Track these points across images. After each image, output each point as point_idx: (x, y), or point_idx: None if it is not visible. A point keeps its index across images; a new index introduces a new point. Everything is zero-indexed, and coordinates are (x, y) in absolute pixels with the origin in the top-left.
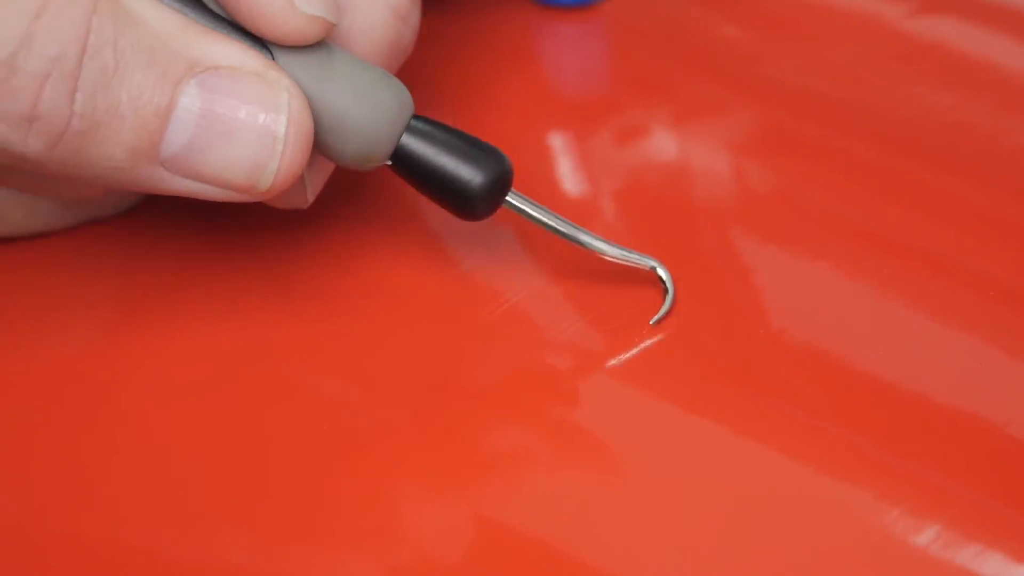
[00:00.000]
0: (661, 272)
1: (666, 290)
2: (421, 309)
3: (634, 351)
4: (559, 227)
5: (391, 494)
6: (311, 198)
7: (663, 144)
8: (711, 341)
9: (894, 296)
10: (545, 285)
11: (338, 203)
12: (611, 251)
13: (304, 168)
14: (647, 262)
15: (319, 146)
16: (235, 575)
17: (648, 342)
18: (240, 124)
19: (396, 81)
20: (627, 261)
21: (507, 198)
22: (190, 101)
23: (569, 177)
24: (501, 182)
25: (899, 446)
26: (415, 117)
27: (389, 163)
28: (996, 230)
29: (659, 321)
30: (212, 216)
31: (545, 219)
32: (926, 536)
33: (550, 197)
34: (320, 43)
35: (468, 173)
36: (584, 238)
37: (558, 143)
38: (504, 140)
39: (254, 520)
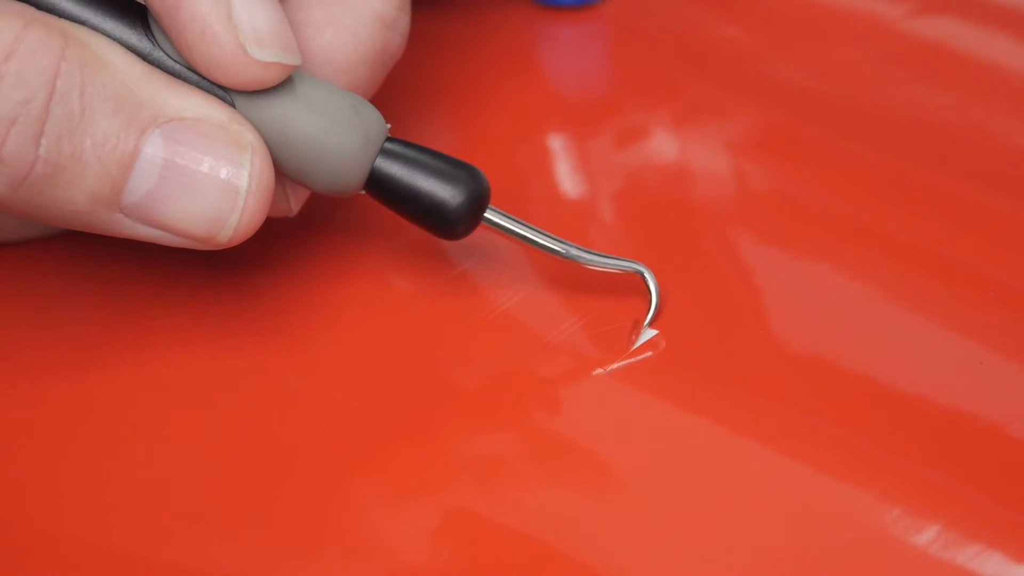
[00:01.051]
0: (648, 277)
1: (651, 296)
2: (416, 313)
3: (632, 352)
4: (539, 240)
5: (383, 498)
6: (296, 208)
7: (663, 145)
8: (711, 341)
9: (894, 296)
10: (542, 288)
11: (331, 206)
12: (595, 260)
13: (263, 220)
14: (633, 267)
15: (291, 177)
16: None
17: (646, 342)
18: (202, 177)
19: (366, 110)
20: (613, 268)
21: (486, 215)
22: (153, 151)
23: (569, 178)
24: (479, 200)
25: (899, 446)
26: (389, 139)
27: (363, 192)
28: (996, 230)
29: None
30: None
31: (525, 233)
32: (926, 536)
33: (550, 198)
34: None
35: (445, 193)
36: (565, 249)
37: (558, 144)
38: (503, 141)
39: (237, 528)
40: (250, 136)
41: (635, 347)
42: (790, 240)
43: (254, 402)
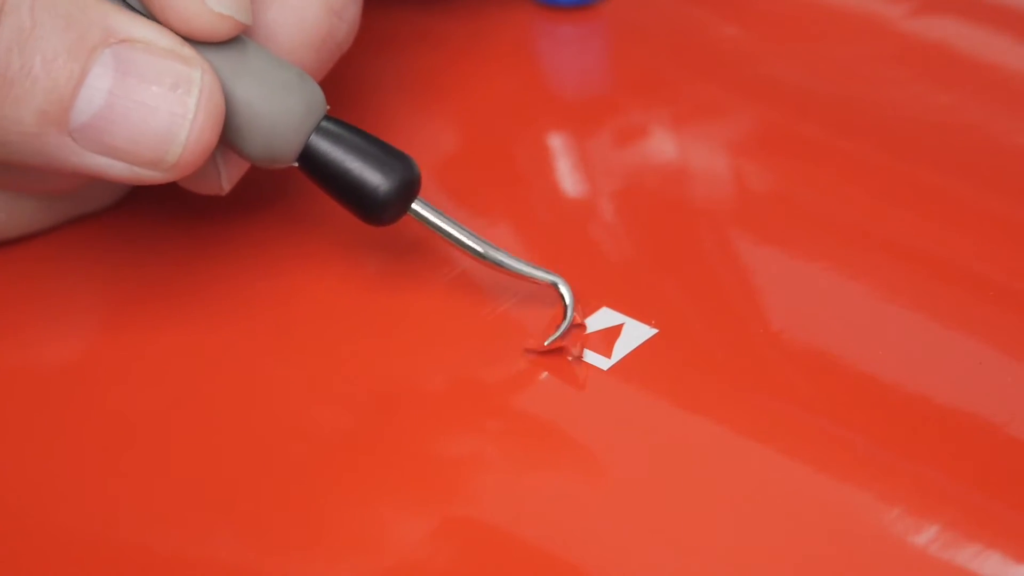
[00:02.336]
0: (563, 289)
1: (565, 308)
2: (417, 313)
3: (633, 352)
4: (461, 238)
5: (379, 495)
6: (226, 186)
7: (662, 144)
8: (710, 341)
9: (893, 296)
10: (546, 285)
11: (329, 203)
12: (513, 266)
13: (213, 146)
14: (549, 278)
15: (227, 142)
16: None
17: (647, 342)
18: (151, 96)
19: (309, 82)
20: (530, 277)
21: (413, 206)
22: (103, 71)
23: (568, 177)
24: (408, 189)
25: (899, 446)
26: (327, 118)
27: (296, 164)
28: (996, 230)
29: (553, 342)
30: (195, 215)
31: (449, 229)
32: (926, 536)
33: (549, 197)
34: (235, 39)
35: (375, 178)
36: (485, 250)
37: (557, 143)
38: (503, 140)
39: (217, 525)
40: (200, 59)
41: (548, 342)
42: (789, 239)
43: (251, 401)
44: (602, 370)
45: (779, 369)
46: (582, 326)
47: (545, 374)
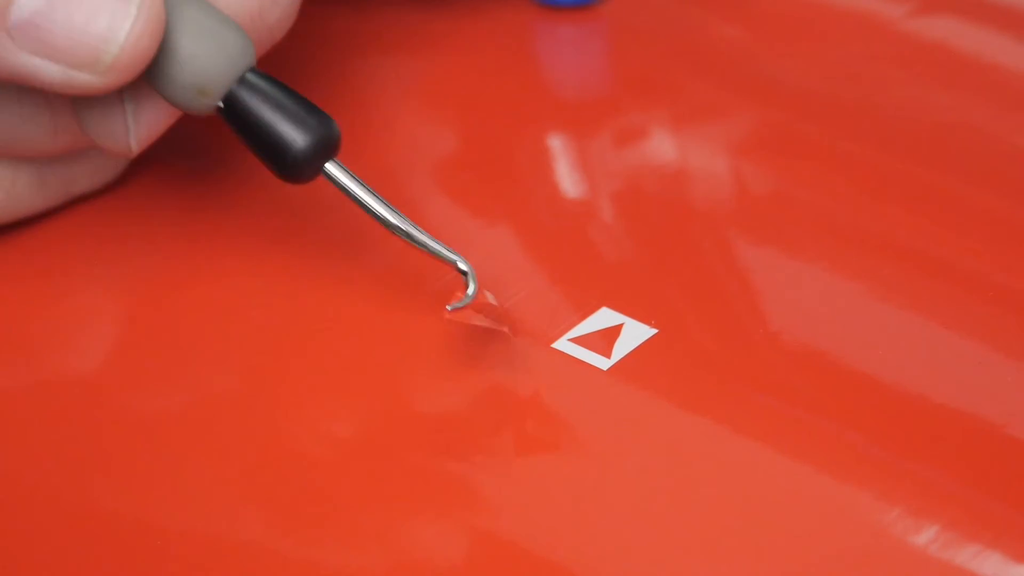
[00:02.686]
0: (462, 265)
1: (467, 283)
2: (416, 314)
3: (633, 352)
4: (373, 205)
5: (378, 497)
6: (135, 146)
7: (662, 145)
8: (710, 341)
9: (893, 296)
10: (544, 288)
11: (330, 212)
12: (419, 238)
13: (151, 56)
14: (451, 256)
15: (153, 77)
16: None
17: (647, 342)
18: None
19: (243, 32)
20: (432, 252)
21: (327, 166)
22: None
23: (568, 178)
24: (324, 146)
25: (899, 446)
26: (254, 70)
27: (220, 106)
28: (996, 230)
29: (456, 308)
30: (195, 209)
31: (361, 195)
32: (926, 536)
33: (548, 198)
34: None
35: (292, 133)
36: (395, 221)
37: (557, 144)
38: (502, 141)
39: (242, 506)
40: None
41: (451, 307)
42: (789, 240)
43: (254, 399)
44: (602, 370)
45: (779, 369)
46: (496, 307)
47: (545, 375)
